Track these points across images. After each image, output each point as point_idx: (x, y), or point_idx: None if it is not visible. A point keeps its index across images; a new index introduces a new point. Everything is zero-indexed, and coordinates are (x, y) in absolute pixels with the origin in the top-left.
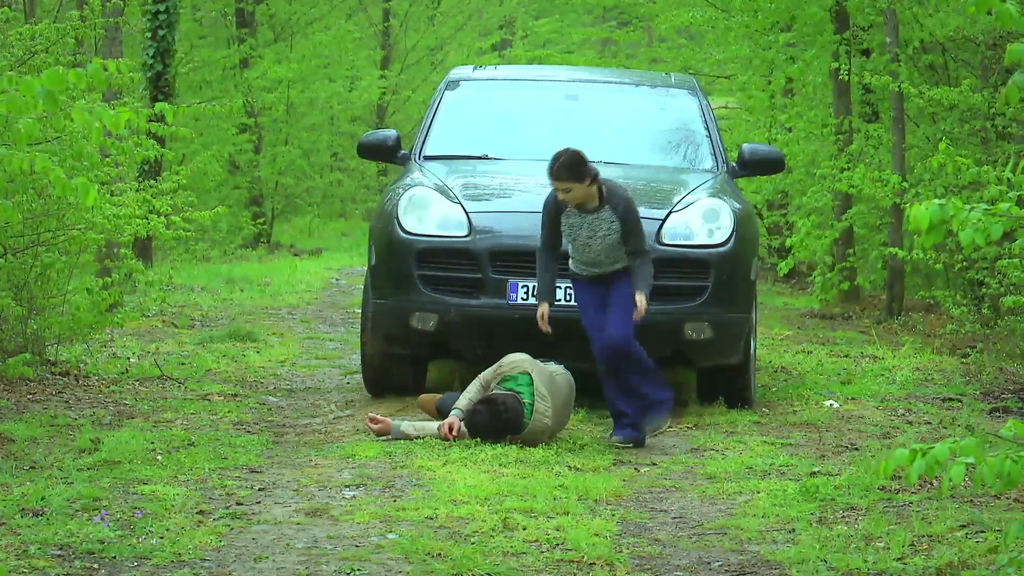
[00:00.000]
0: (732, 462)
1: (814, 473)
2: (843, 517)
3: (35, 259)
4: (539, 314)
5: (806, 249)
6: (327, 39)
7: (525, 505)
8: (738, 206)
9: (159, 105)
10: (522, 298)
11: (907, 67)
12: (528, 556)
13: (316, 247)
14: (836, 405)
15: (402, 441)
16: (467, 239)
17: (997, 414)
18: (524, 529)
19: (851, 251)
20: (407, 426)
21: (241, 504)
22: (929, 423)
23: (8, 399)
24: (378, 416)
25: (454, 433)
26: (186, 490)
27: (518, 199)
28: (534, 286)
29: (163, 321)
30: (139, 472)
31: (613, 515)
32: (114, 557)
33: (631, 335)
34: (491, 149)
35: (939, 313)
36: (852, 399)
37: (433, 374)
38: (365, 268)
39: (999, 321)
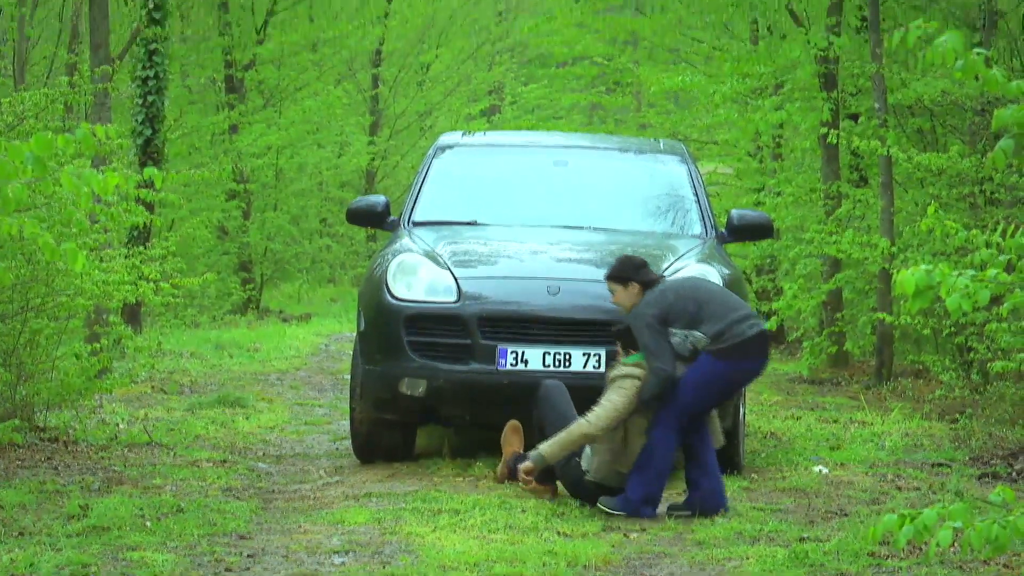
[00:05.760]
0: (721, 528)
1: (803, 539)
2: None
3: (24, 325)
4: None
5: (791, 309)
6: (316, 105)
7: (514, 571)
8: (727, 272)
9: (148, 170)
10: (511, 364)
11: (895, 132)
12: None
13: (305, 313)
14: (825, 471)
15: (391, 507)
16: (456, 305)
17: (986, 479)
18: None
19: (840, 316)
20: (551, 448)
21: (230, 571)
22: (918, 488)
23: None
24: (531, 482)
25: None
26: (175, 556)
27: (507, 265)
28: (523, 352)
29: (152, 387)
30: (128, 538)
31: None
32: None
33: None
34: (480, 215)
35: (928, 378)
36: (841, 465)
37: (422, 440)
38: (354, 334)
39: (988, 386)
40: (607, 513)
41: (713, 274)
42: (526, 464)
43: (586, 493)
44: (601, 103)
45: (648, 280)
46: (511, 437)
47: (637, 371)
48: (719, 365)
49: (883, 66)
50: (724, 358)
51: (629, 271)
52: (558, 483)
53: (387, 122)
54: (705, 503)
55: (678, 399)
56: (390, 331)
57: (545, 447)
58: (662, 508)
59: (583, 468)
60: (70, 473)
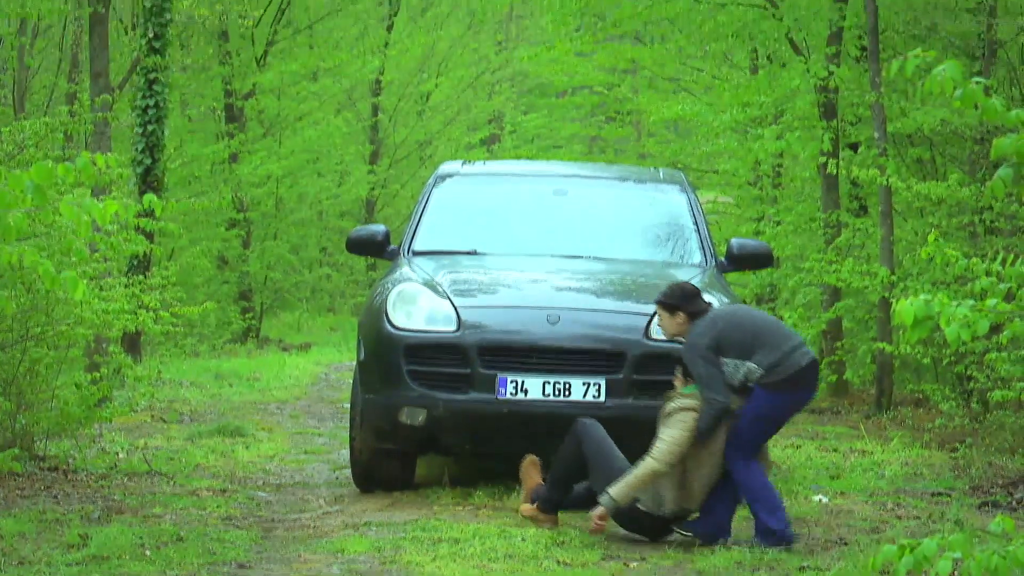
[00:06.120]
0: (721, 557)
1: (803, 568)
2: None
3: (24, 354)
4: None
5: None
6: (316, 134)
7: None
8: (726, 301)
9: (148, 199)
10: (511, 393)
11: (895, 161)
12: None
13: (305, 342)
14: (825, 500)
15: (391, 536)
16: (456, 334)
17: (986, 509)
18: None
19: (839, 345)
20: (620, 490)
21: None
22: (918, 518)
23: None
24: (603, 526)
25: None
26: None
27: (506, 294)
28: (522, 381)
29: (152, 416)
30: (128, 567)
31: None
32: None
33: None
34: (480, 244)
35: (928, 407)
36: (841, 494)
37: (422, 469)
38: (354, 363)
39: (988, 415)
40: (759, 551)
41: (715, 303)
42: (599, 510)
43: (651, 528)
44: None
45: (695, 310)
46: (530, 471)
47: (694, 403)
48: (774, 398)
49: (883, 95)
50: (779, 390)
51: (677, 298)
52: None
53: (387, 151)
54: (709, 533)
55: (738, 432)
56: (390, 360)
57: (615, 490)
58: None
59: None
60: (70, 502)
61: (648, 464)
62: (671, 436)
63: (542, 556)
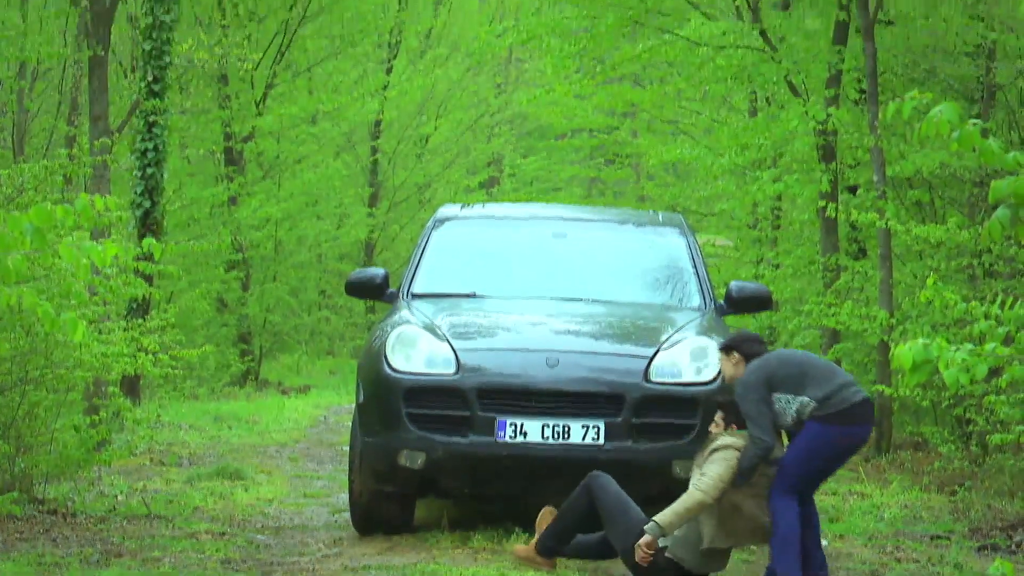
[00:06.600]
0: None
1: None
2: None
3: (23, 397)
4: None
5: None
6: (315, 177)
7: None
8: None
9: (147, 242)
10: (510, 436)
11: (894, 204)
12: None
13: (304, 384)
14: (825, 542)
15: None
16: (455, 377)
17: (985, 552)
18: None
19: None
20: (667, 518)
21: None
22: (917, 561)
23: None
24: (650, 556)
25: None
26: None
27: (505, 337)
28: (522, 424)
29: (151, 459)
30: None
31: None
32: None
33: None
34: (479, 287)
35: (927, 450)
36: (841, 536)
37: (421, 511)
38: (353, 406)
39: (987, 458)
40: None
41: (712, 347)
42: (646, 539)
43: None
44: (600, 176)
45: (751, 352)
46: (547, 519)
47: (738, 441)
48: (826, 430)
49: (881, 138)
50: (831, 423)
51: (735, 340)
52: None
53: (386, 194)
54: (817, 573)
55: (787, 466)
56: (389, 403)
57: (660, 517)
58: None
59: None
60: (69, 545)
61: (694, 495)
62: (715, 471)
63: None
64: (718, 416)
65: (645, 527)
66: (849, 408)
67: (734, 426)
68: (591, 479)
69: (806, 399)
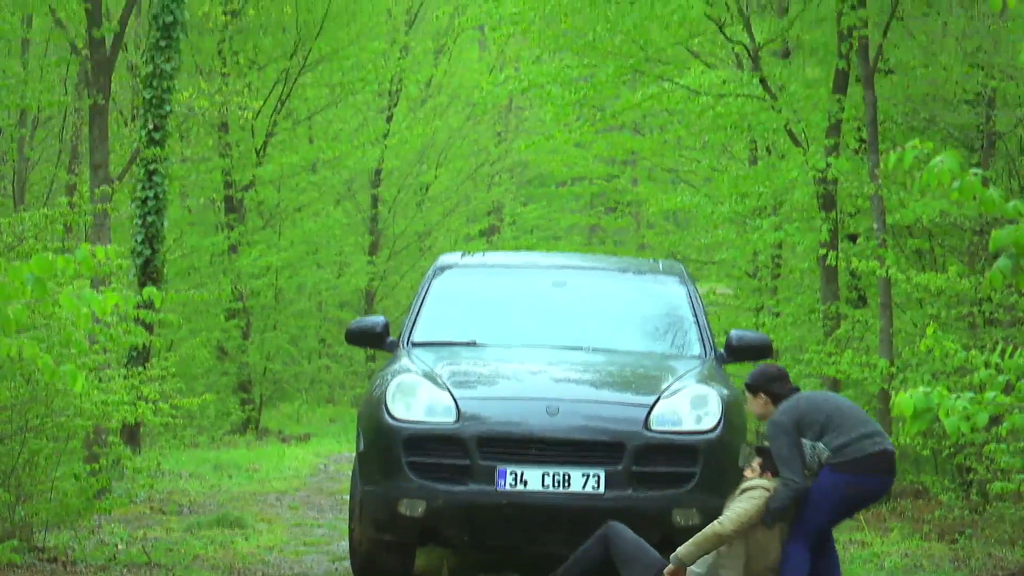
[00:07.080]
0: None
1: None
2: None
3: (23, 445)
4: None
5: None
6: (316, 226)
7: None
8: (726, 392)
9: (147, 291)
10: (510, 484)
11: (894, 253)
12: None
13: (304, 433)
14: None
15: None
16: (455, 426)
17: None
18: None
19: None
20: (687, 550)
21: None
22: None
23: None
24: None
25: None
26: None
27: (506, 385)
28: (522, 472)
29: (151, 507)
30: None
31: None
32: None
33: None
34: (479, 335)
35: (928, 498)
36: None
37: (421, 560)
38: (354, 454)
39: (988, 507)
40: None
41: (712, 395)
42: (669, 568)
43: None
44: (600, 224)
45: (777, 392)
46: None
47: (768, 482)
48: (836, 478)
49: (881, 187)
50: (841, 471)
51: (759, 381)
52: None
53: (386, 242)
54: None
55: (799, 512)
56: (389, 452)
57: (681, 550)
58: None
59: None
60: None
61: (714, 527)
62: (740, 507)
63: None
64: (755, 462)
65: (670, 557)
66: (864, 458)
67: (768, 474)
68: (608, 528)
69: (822, 446)
